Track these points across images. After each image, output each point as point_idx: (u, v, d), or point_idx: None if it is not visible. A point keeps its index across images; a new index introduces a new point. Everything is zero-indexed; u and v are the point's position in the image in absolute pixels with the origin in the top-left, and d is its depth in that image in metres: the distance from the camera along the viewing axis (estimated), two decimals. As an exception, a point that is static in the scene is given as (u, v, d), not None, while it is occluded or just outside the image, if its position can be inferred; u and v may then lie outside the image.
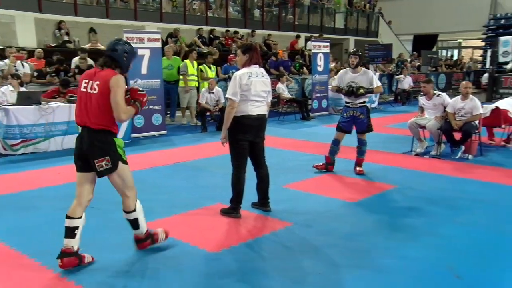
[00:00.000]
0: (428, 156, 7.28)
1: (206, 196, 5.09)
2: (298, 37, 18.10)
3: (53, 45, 12.22)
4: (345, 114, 6.17)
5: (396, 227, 4.28)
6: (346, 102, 6.15)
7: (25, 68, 9.35)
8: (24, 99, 7.48)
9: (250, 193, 4.64)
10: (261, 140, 4.54)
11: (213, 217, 4.37)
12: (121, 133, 8.48)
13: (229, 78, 10.34)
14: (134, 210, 3.60)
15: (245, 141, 4.38)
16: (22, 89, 8.12)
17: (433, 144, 7.53)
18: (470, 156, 7.08)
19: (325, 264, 3.50)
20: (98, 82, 3.34)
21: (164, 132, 9.42)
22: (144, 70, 8.97)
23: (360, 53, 6.08)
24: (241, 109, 4.33)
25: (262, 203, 4.69)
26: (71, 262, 3.37)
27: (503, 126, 7.83)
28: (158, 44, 9.29)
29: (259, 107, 4.40)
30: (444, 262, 3.53)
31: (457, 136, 7.20)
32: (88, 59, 10.18)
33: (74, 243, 3.40)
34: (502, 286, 3.20)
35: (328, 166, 6.27)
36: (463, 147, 7.14)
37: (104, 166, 3.38)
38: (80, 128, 3.48)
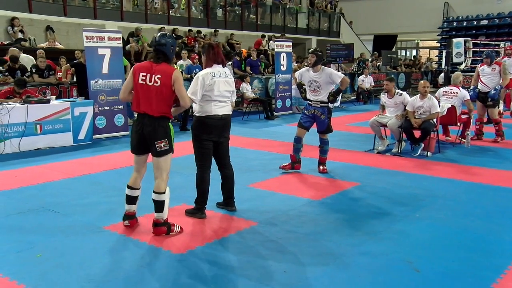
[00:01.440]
0: (389, 153, 7.47)
1: (171, 197, 5.02)
2: (263, 36, 18.13)
3: (5, 43, 11.72)
4: (306, 112, 6.22)
5: (358, 224, 4.37)
6: (309, 100, 6.19)
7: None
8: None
9: (215, 193, 4.63)
10: (226, 140, 4.54)
11: (178, 218, 4.32)
12: (82, 134, 8.28)
13: (192, 78, 10.26)
14: (164, 193, 3.96)
15: (209, 141, 4.37)
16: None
17: (394, 142, 7.73)
18: (429, 153, 7.32)
19: (289, 262, 3.53)
20: (159, 76, 3.81)
21: (127, 132, 9.22)
22: (105, 69, 8.77)
23: (318, 52, 5.99)
24: (205, 109, 4.31)
25: (227, 202, 4.68)
26: (133, 223, 4.15)
27: (458, 123, 8.13)
28: (119, 44, 9.10)
29: (223, 107, 4.39)
30: (404, 256, 3.63)
31: (417, 134, 7.43)
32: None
33: (134, 208, 4.15)
34: (460, 278, 3.32)
35: (294, 165, 6.29)
36: (422, 145, 7.37)
37: (163, 147, 3.91)
38: (138, 115, 3.98)
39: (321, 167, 6.25)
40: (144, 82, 3.85)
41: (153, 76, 3.82)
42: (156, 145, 3.89)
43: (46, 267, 3.42)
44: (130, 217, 4.14)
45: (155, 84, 3.82)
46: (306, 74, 6.12)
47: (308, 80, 6.08)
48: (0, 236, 4.02)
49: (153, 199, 3.98)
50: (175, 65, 11.24)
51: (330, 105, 6.12)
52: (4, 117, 7.25)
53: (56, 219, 4.45)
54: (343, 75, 6.04)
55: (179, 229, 4.08)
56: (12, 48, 10.11)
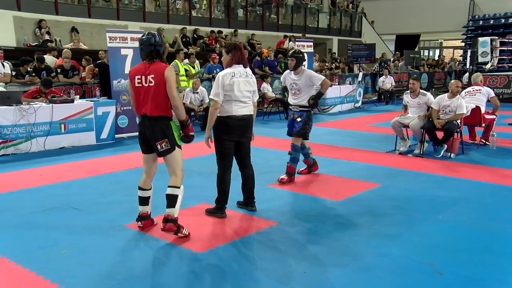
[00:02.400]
0: (411, 154, 7.37)
1: (191, 196, 5.06)
2: (285, 37, 18.07)
3: (33, 44, 12.03)
4: (288, 118, 6.08)
5: (379, 225, 4.32)
6: (290, 105, 5.96)
7: (5, 68, 9.17)
8: (3, 100, 7.35)
9: (235, 192, 4.64)
10: (248, 140, 4.54)
11: (198, 217, 4.36)
12: (104, 133, 8.41)
13: (213, 77, 10.32)
14: (178, 187, 3.95)
15: (230, 141, 4.38)
16: (1, 89, 7.97)
17: (416, 143, 7.62)
18: (452, 155, 7.19)
19: (309, 263, 3.52)
20: (153, 76, 3.81)
21: (148, 132, 9.34)
22: (127, 70, 8.88)
23: (299, 55, 5.74)
24: (225, 109, 4.32)
25: (248, 202, 4.69)
26: (147, 223, 4.18)
27: (483, 124, 7.95)
28: (142, 44, 9.20)
29: (244, 108, 4.38)
30: (426, 259, 3.57)
31: (440, 135, 7.31)
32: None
33: (148, 209, 4.17)
34: (484, 282, 3.25)
35: (311, 169, 6.23)
36: (445, 146, 7.24)
37: (164, 147, 3.90)
38: (140, 117, 4.00)
39: (282, 176, 5.81)
40: (140, 85, 3.86)
41: (148, 76, 3.82)
42: (158, 146, 3.90)
43: (70, 263, 3.49)
44: (143, 218, 4.15)
45: (150, 85, 3.82)
46: (288, 77, 5.90)
47: (289, 83, 5.85)
48: (26, 233, 4.11)
49: (166, 194, 3.94)
50: (170, 64, 11.31)
51: (311, 110, 5.86)
52: (31, 117, 7.44)
53: (79, 217, 4.53)
54: (324, 77, 5.77)
55: (187, 233, 3.99)
56: (66, 50, 10.35)
